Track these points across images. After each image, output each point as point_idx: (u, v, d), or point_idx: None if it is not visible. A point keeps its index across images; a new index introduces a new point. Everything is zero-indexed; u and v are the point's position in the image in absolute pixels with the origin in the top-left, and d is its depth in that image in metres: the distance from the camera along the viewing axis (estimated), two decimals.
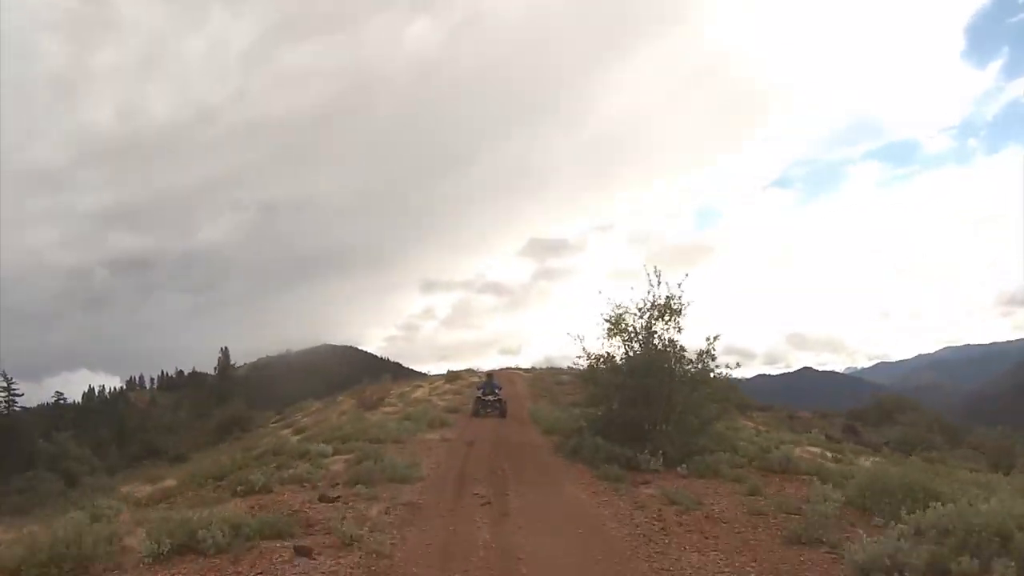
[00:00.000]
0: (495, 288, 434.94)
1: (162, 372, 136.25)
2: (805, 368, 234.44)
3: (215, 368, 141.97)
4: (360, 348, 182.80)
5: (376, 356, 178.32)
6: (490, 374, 22.75)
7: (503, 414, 18.55)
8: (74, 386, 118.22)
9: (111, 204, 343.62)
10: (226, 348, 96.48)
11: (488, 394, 19.44)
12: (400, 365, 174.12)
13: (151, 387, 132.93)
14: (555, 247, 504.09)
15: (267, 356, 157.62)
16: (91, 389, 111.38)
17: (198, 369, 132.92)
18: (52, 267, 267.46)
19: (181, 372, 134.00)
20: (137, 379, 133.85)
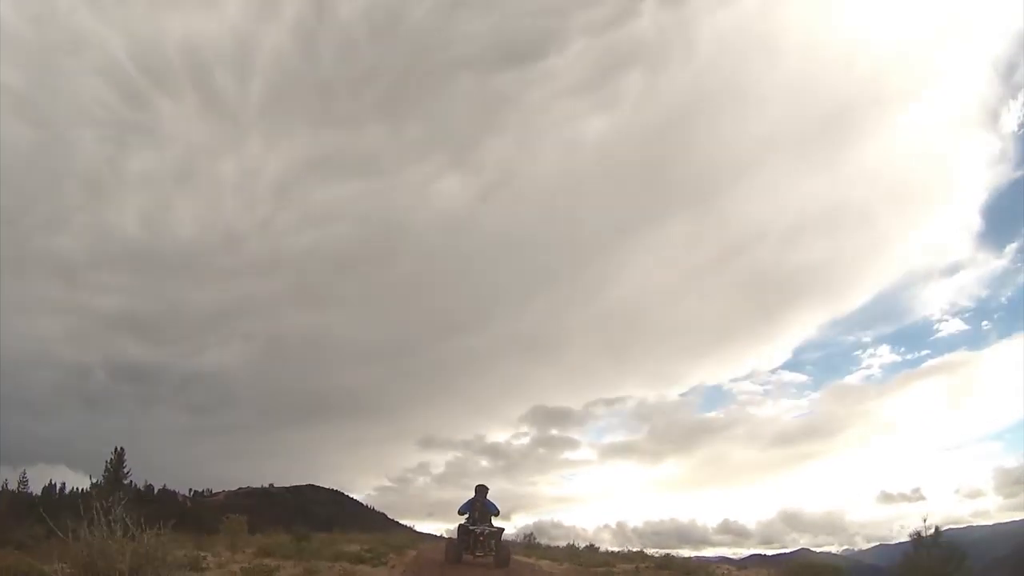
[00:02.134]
0: (492, 451, 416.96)
1: (131, 483, 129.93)
2: (802, 549, 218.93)
3: (190, 491, 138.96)
4: (347, 494, 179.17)
5: (363, 504, 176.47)
6: (482, 488, 13.50)
7: (503, 560, 11.96)
8: (45, 479, 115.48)
9: (123, 309, 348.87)
10: None
11: (477, 519, 12.54)
12: (385, 516, 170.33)
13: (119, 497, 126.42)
14: (558, 416, 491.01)
15: (248, 487, 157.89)
16: (51, 484, 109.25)
17: (169, 488, 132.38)
18: (54, 360, 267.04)
19: (151, 487, 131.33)
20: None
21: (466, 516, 12.77)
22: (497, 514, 13.03)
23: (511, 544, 13.84)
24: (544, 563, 14.59)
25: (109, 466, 35.48)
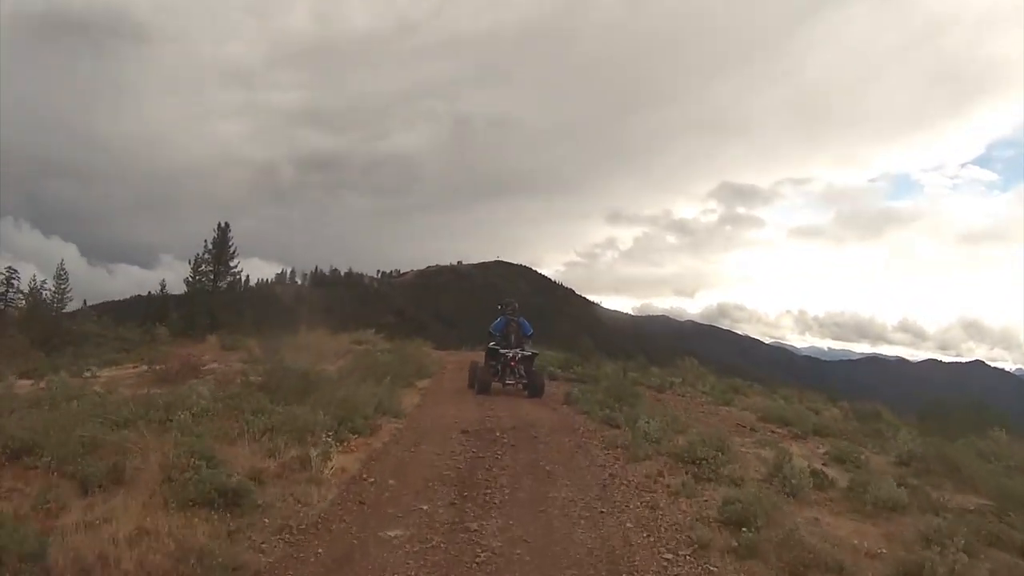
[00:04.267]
0: (679, 227, 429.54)
1: (315, 268, 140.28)
2: (976, 361, 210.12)
3: (378, 272, 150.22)
4: (536, 270, 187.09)
5: (551, 280, 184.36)
6: (509, 305, 11.32)
7: (536, 388, 10.27)
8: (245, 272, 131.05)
9: (303, 104, 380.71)
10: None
11: (509, 343, 10.73)
12: (573, 292, 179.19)
13: (303, 281, 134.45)
14: (746, 194, 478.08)
15: (437, 265, 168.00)
16: (236, 277, 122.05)
17: (355, 270, 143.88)
18: (241, 159, 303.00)
19: (336, 270, 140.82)
20: (289, 273, 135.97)
21: (497, 335, 10.88)
22: (531, 336, 11.14)
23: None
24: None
25: (211, 244, 36.02)
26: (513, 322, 11.04)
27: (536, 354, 11.03)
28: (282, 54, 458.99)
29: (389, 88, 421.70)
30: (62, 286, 33.29)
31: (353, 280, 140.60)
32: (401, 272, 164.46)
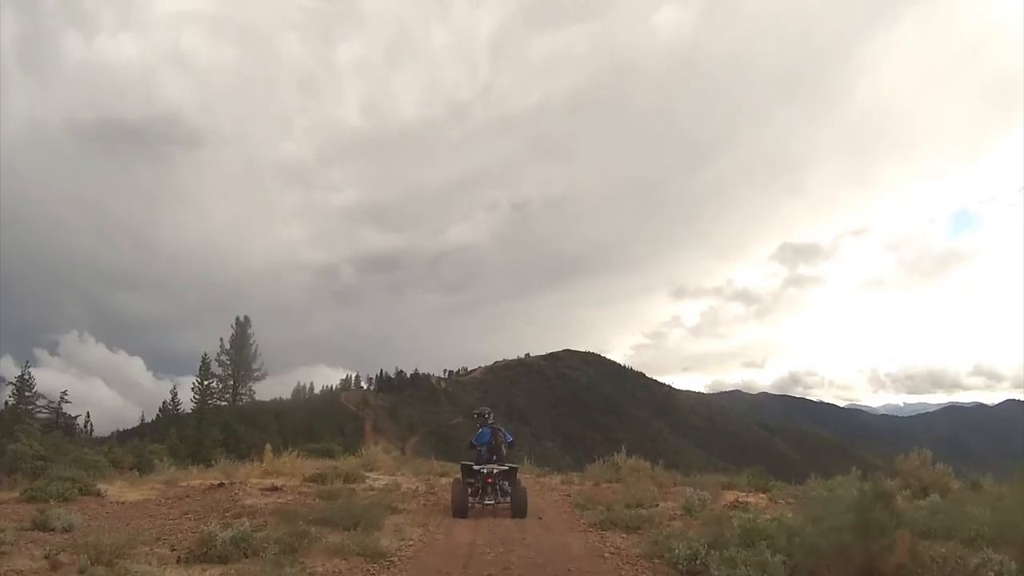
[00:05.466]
0: (744, 296, 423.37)
1: (380, 372, 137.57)
2: None
3: (444, 372, 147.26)
4: (604, 356, 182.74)
5: (620, 365, 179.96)
6: (487, 414, 10.49)
7: (520, 506, 9.18)
8: (307, 380, 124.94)
9: (360, 201, 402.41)
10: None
11: (500, 455, 9.84)
12: (644, 375, 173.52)
13: (368, 386, 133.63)
14: (806, 252, 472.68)
15: (504, 360, 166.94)
16: (299, 385, 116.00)
17: (421, 371, 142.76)
18: (302, 263, 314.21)
19: (402, 372, 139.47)
20: (353, 378, 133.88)
21: (477, 447, 9.92)
22: (512, 446, 10.19)
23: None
24: None
25: (229, 343, 29.28)
26: (499, 432, 10.07)
27: (516, 468, 9.97)
28: (334, 150, 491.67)
29: (444, 177, 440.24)
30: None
31: (419, 382, 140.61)
32: (468, 370, 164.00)
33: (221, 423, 28.70)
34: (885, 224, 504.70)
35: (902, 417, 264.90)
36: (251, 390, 31.30)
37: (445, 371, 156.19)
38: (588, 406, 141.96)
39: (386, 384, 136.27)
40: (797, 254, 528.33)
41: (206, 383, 30.46)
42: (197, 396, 29.81)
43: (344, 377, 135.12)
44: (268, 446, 14.99)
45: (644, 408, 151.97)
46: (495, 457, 9.79)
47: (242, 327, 30.78)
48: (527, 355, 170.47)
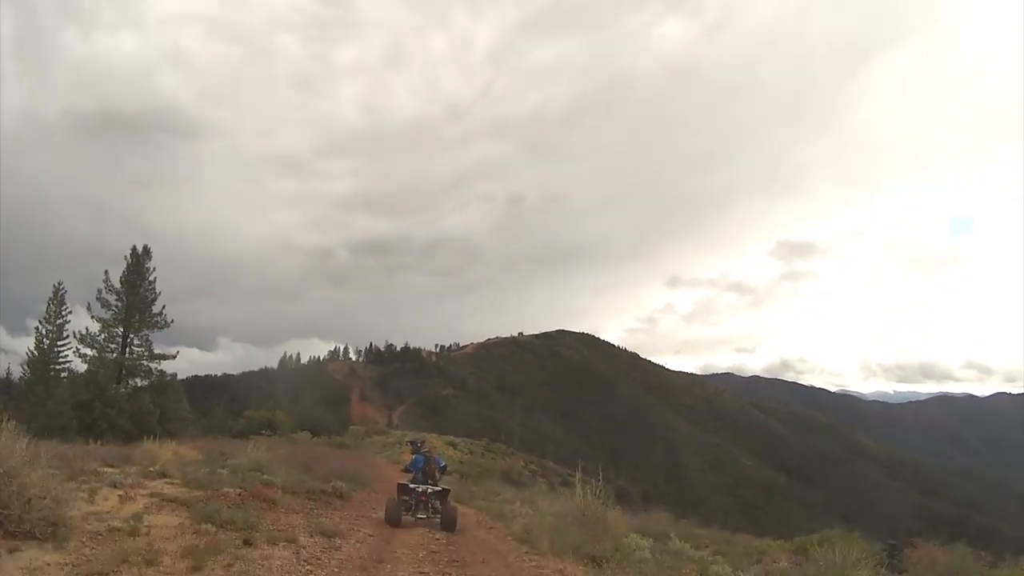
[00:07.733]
0: (739, 287, 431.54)
1: (370, 344, 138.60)
2: None
3: (436, 346, 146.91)
4: (598, 336, 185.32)
5: (614, 345, 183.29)
6: (415, 443, 12.18)
7: (449, 522, 10.20)
8: (295, 351, 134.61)
9: (355, 191, 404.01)
10: None
11: (432, 478, 11.10)
12: (637, 355, 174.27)
13: (357, 358, 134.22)
14: (802, 250, 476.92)
15: (497, 337, 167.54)
16: (286, 356, 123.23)
17: (412, 345, 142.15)
18: (297, 246, 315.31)
19: (391, 346, 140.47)
20: (342, 350, 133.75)
21: (411, 467, 11.31)
22: (444, 468, 11.73)
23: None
24: None
25: (120, 280, 22.39)
26: (432, 459, 11.38)
27: (447, 490, 11.26)
28: (331, 143, 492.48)
29: (440, 172, 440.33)
30: None
31: (410, 355, 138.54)
32: (461, 345, 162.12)
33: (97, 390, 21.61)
34: (882, 226, 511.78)
35: (893, 404, 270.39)
36: (148, 340, 23.42)
37: (437, 346, 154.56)
38: (581, 383, 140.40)
39: (376, 357, 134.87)
40: (793, 251, 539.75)
41: (60, 326, 21.88)
42: (42, 343, 21.95)
43: (332, 349, 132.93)
44: None
45: (637, 387, 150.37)
46: (429, 480, 11.03)
47: (139, 258, 23.10)
48: (520, 334, 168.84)
